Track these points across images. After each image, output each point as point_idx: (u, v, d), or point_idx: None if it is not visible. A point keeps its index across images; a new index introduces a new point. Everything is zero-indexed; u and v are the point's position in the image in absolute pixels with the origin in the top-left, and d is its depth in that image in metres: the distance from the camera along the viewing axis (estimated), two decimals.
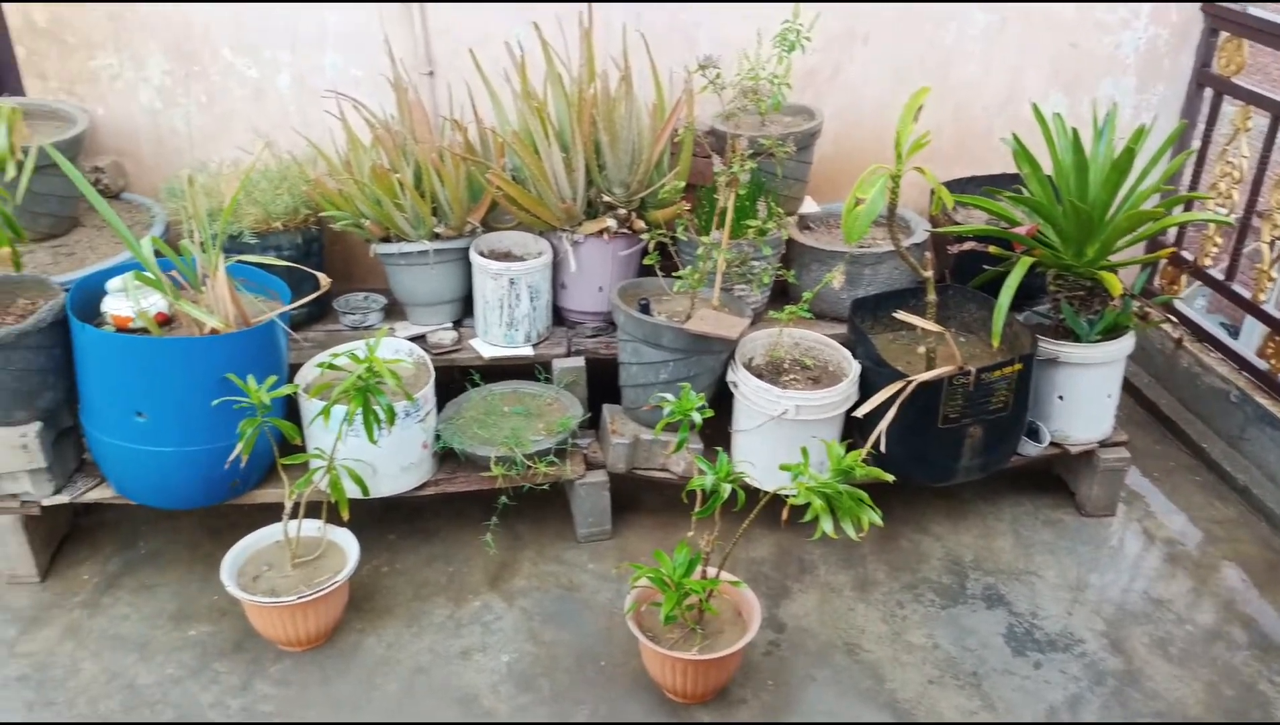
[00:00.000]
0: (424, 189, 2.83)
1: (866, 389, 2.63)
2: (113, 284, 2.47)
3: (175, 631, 2.43)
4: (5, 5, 2.91)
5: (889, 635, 2.49)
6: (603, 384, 2.88)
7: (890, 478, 2.13)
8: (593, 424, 2.87)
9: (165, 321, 2.51)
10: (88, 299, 2.45)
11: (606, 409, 2.86)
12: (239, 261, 2.57)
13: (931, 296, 2.66)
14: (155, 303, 2.44)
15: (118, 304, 2.43)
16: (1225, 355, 3.29)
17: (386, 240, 2.88)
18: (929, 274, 2.65)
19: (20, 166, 2.43)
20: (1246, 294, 3.20)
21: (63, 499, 2.48)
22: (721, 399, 2.73)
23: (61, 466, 2.49)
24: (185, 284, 2.52)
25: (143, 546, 2.69)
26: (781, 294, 3.07)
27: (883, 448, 2.48)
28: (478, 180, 2.90)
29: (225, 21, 2.97)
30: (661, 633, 2.24)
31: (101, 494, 2.50)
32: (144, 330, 2.41)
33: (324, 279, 2.62)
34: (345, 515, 2.37)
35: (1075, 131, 2.70)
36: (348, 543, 2.45)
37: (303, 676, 2.31)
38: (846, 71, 3.26)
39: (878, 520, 2.02)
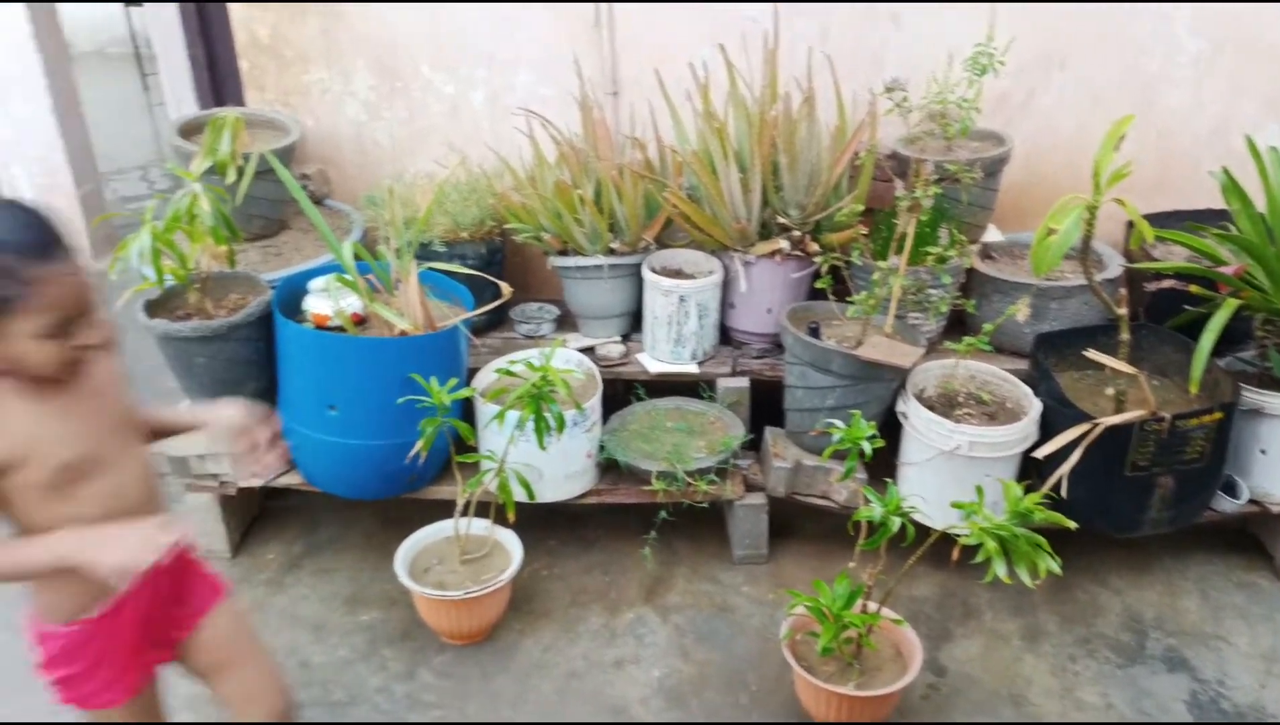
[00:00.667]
0: (603, 205, 2.90)
1: (1047, 429, 2.51)
2: (315, 284, 2.64)
3: (349, 615, 2.56)
4: (233, 21, 3.17)
5: (1058, 690, 2.36)
6: (766, 405, 2.87)
7: (1072, 524, 2.02)
8: (754, 445, 2.86)
9: (360, 321, 2.66)
10: (291, 297, 2.63)
11: (769, 431, 2.84)
12: (429, 268, 2.70)
13: (1125, 335, 2.51)
14: (352, 303, 2.59)
15: (318, 303, 2.60)
16: None
17: (564, 253, 2.96)
18: (1123, 311, 2.50)
19: (240, 171, 2.64)
20: None
21: (256, 482, 2.66)
22: (888, 429, 2.66)
23: None
24: (380, 287, 2.67)
25: (324, 532, 2.86)
26: (958, 324, 2.97)
27: (1063, 492, 2.36)
28: (654, 198, 2.94)
29: (426, 41, 3.14)
30: (816, 663, 2.20)
31: (291, 480, 2.68)
32: (340, 329, 2.56)
33: (506, 288, 2.72)
34: (511, 517, 2.44)
35: None
36: (512, 544, 2.53)
37: (463, 670, 2.40)
38: (1041, 97, 3.14)
39: (1055, 568, 1.92)
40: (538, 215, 2.91)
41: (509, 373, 2.48)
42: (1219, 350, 2.66)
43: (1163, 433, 2.40)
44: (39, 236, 1.33)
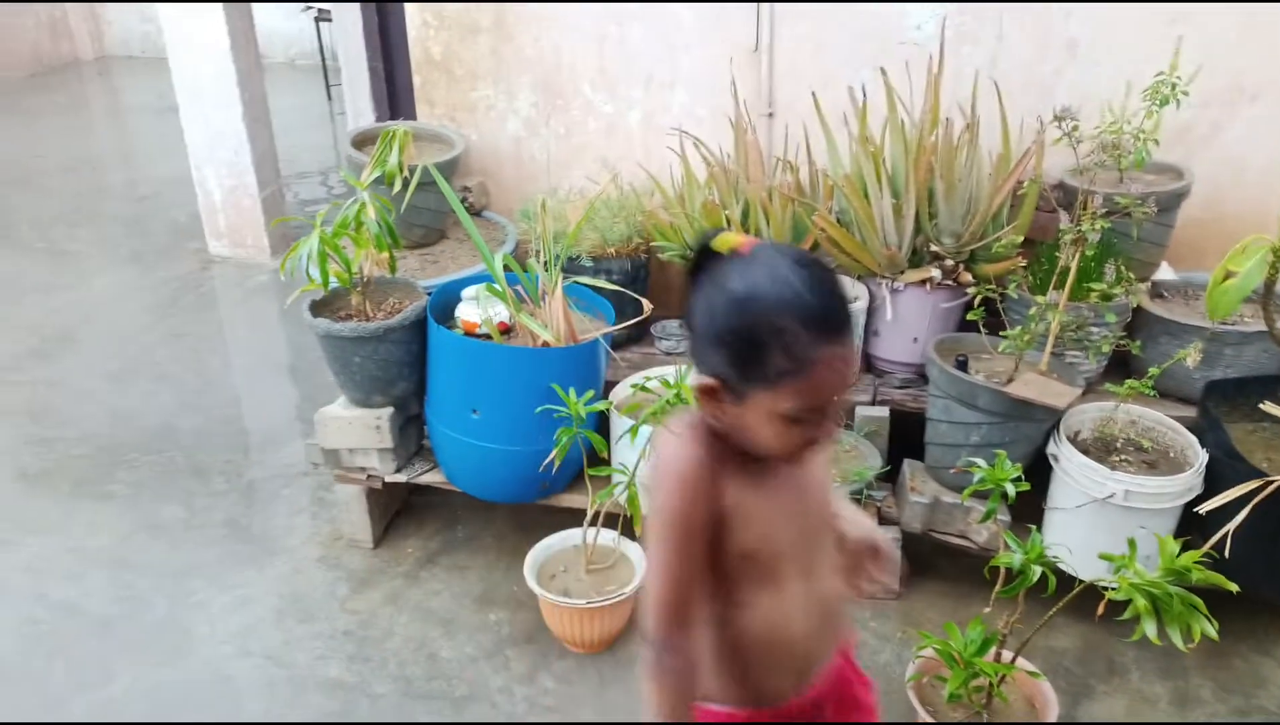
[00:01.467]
0: (749, 227, 2.89)
1: (1213, 483, 2.33)
2: (467, 292, 2.74)
3: (478, 614, 2.64)
4: (410, 38, 3.34)
5: None
6: (905, 437, 2.78)
7: (1234, 587, 1.87)
8: (890, 477, 2.78)
9: (506, 330, 2.75)
10: (445, 303, 2.75)
11: (907, 464, 2.76)
12: (574, 282, 2.76)
13: None
14: (499, 313, 2.68)
15: (469, 310, 2.70)
16: None
17: None
18: None
19: (405, 183, 2.77)
20: None
21: (401, 478, 2.78)
22: (1036, 471, 2.54)
23: (404, 449, 2.80)
24: (527, 298, 2.75)
25: (460, 531, 2.96)
26: (1120, 365, 2.81)
27: (1225, 552, 2.19)
28: (803, 221, 2.92)
29: (590, 62, 3.22)
30: (943, 709, 2.12)
31: (433, 478, 2.78)
32: (487, 336, 2.65)
33: (648, 305, 2.75)
34: (639, 530, 2.46)
35: None
36: (638, 556, 2.54)
37: (582, 678, 2.43)
38: (1227, 130, 2.94)
39: (1212, 633, 1.78)
40: (684, 233, 2.94)
41: (644, 388, 2.51)
42: None
43: None
44: (831, 309, 1.10)
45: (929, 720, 2.07)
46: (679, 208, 2.96)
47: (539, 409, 2.47)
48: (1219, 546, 2.19)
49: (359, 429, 2.70)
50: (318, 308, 2.70)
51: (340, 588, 2.73)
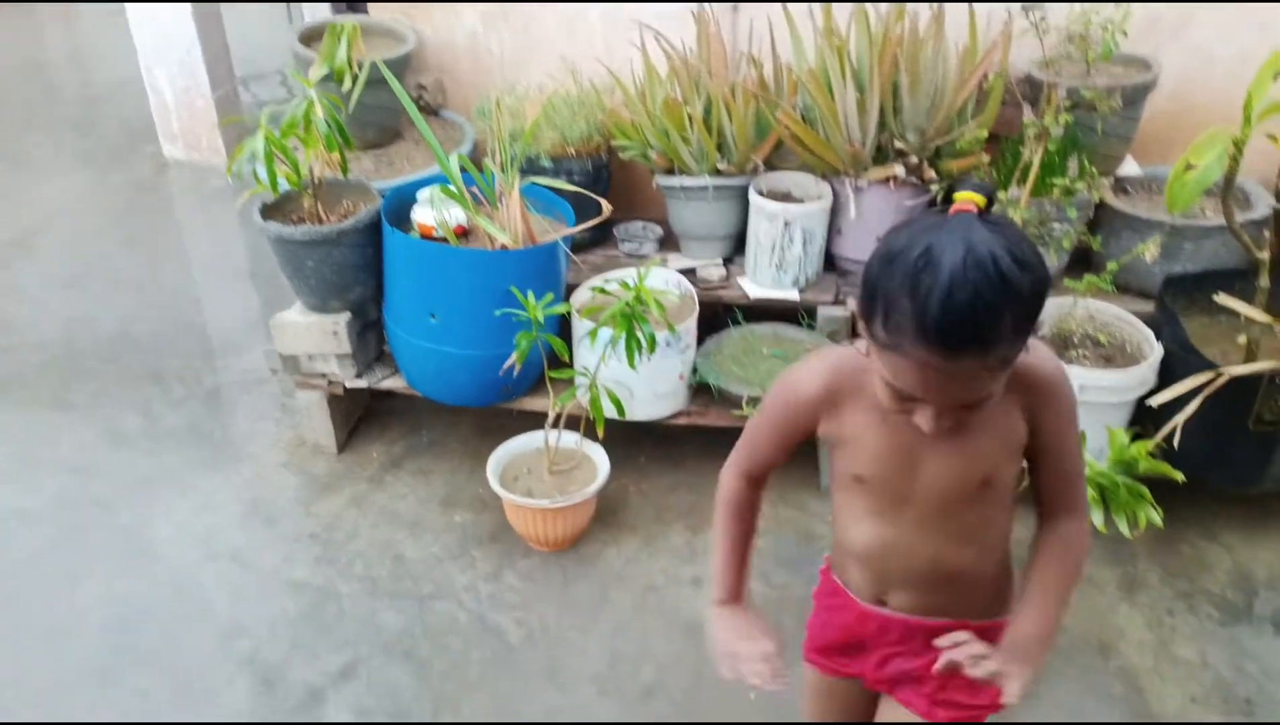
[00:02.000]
0: (711, 124, 2.83)
1: (1167, 376, 2.36)
2: (422, 194, 2.69)
3: (443, 515, 2.66)
4: None
5: (1153, 644, 2.27)
6: None
7: (1179, 476, 1.92)
8: None
9: (463, 233, 2.70)
10: (400, 206, 2.69)
11: None
12: (532, 183, 2.71)
13: (1264, 281, 2.33)
14: (456, 215, 2.63)
15: (424, 213, 2.64)
16: None
17: (670, 172, 2.92)
18: (1264, 255, 2.32)
19: (355, 80, 2.68)
20: None
21: (362, 383, 2.77)
22: None
23: (364, 354, 2.78)
24: (484, 200, 2.70)
25: (425, 435, 2.96)
26: (1082, 261, 2.80)
27: (1175, 443, 2.23)
28: (766, 118, 2.86)
29: None
30: None
31: (394, 383, 2.77)
32: (443, 240, 2.60)
33: (607, 206, 2.70)
34: (601, 432, 2.47)
35: None
36: (600, 458, 2.56)
37: (546, 575, 2.47)
38: (1198, 21, 2.87)
39: (1157, 520, 1.84)
40: (645, 132, 2.87)
41: (603, 291, 2.49)
42: None
43: None
44: (947, 324, 1.02)
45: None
46: (640, 105, 2.89)
47: (498, 313, 2.44)
48: (1170, 438, 2.23)
49: (316, 334, 2.67)
50: (269, 211, 2.64)
51: (305, 492, 2.74)
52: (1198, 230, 2.60)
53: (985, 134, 2.69)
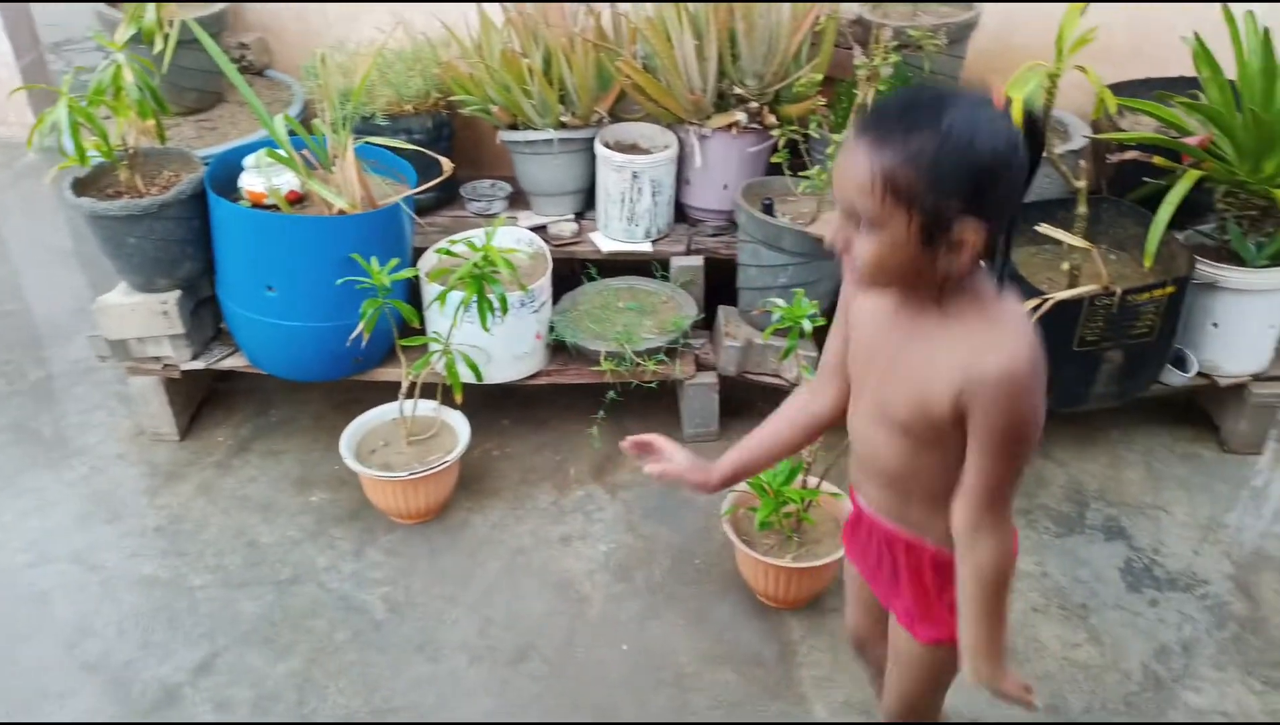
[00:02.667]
0: (552, 76, 2.78)
1: None
2: (249, 160, 2.55)
3: (298, 496, 2.57)
4: None
5: None
6: (721, 285, 2.82)
7: None
8: (707, 325, 2.83)
9: (298, 199, 2.58)
10: (226, 174, 2.54)
11: (722, 311, 2.81)
12: (368, 143, 2.60)
13: (1082, 209, 2.45)
14: (287, 181, 2.51)
15: (253, 180, 2.51)
16: None
17: (514, 127, 2.86)
18: (1081, 185, 2.44)
19: (166, 40, 2.51)
20: None
21: (199, 365, 2.63)
22: None
23: (199, 334, 2.63)
24: (317, 163, 2.58)
25: (273, 414, 2.84)
26: None
27: None
28: (607, 68, 2.83)
29: None
30: (757, 537, 2.22)
31: (235, 363, 2.64)
32: (275, 207, 2.48)
33: (447, 164, 2.63)
34: (459, 398, 2.43)
35: (1266, 31, 2.40)
36: (460, 424, 2.52)
37: (411, 548, 2.42)
38: None
39: None
40: (485, 86, 2.80)
41: (450, 253, 2.43)
42: (1180, 223, 2.62)
43: (1113, 307, 2.38)
44: (874, 111, 1.15)
45: (744, 549, 2.18)
46: (477, 58, 2.81)
47: (340, 281, 2.35)
48: None
49: (144, 316, 2.51)
50: (82, 186, 2.46)
51: (147, 483, 2.60)
52: None
53: (820, 77, 2.74)
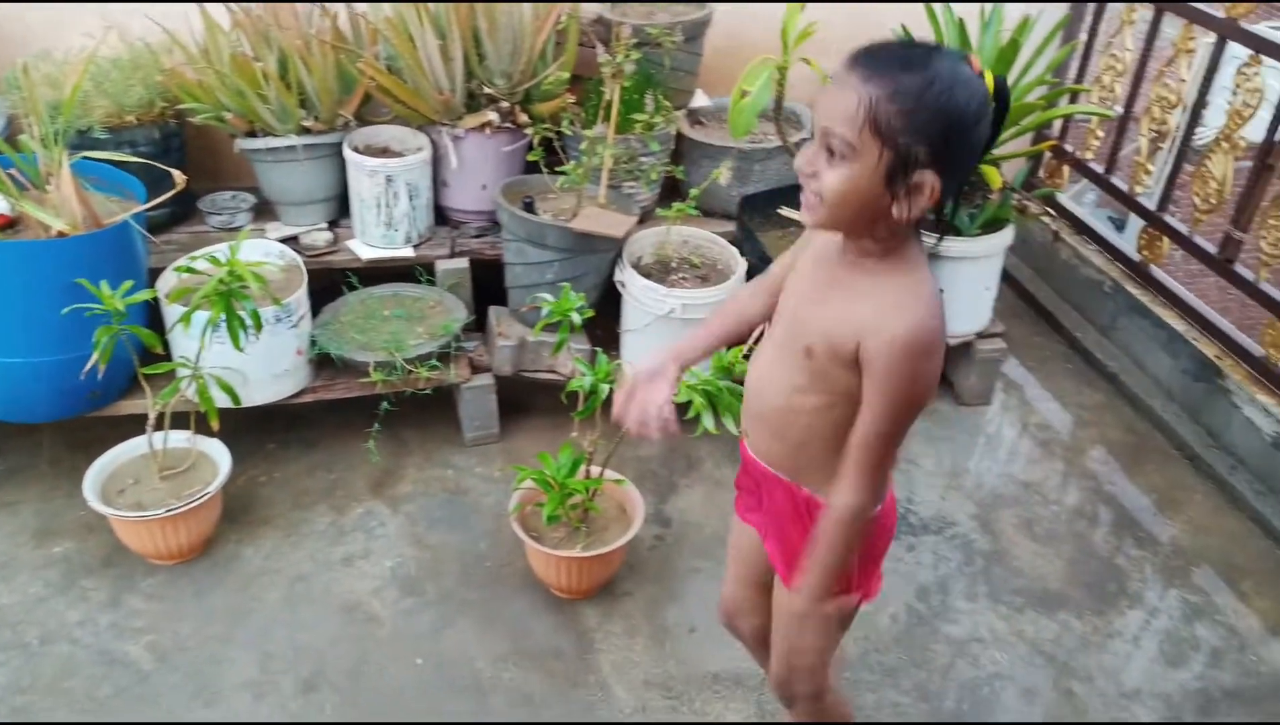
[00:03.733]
0: (290, 79, 2.66)
1: None
2: None
3: (39, 549, 2.32)
4: None
5: None
6: (489, 286, 2.81)
7: None
8: (479, 327, 2.81)
9: (9, 223, 2.33)
10: None
11: (492, 311, 2.79)
12: (86, 158, 2.39)
13: None
14: None
15: None
16: (1102, 247, 3.38)
17: (252, 135, 2.71)
18: None
19: None
20: (1125, 187, 3.26)
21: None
22: (614, 299, 2.69)
23: None
24: (29, 183, 2.34)
25: (1, 463, 2.56)
26: (673, 191, 3.01)
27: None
28: (349, 70, 2.74)
29: None
30: (546, 532, 2.24)
31: None
32: None
33: (179, 176, 2.44)
34: (215, 425, 2.28)
35: (961, 22, 2.67)
36: (219, 453, 2.36)
37: (175, 590, 2.25)
38: None
39: None
40: (216, 92, 2.63)
41: (190, 270, 2.27)
42: None
43: None
44: (855, 52, 1.20)
45: (533, 545, 2.18)
46: (205, 63, 2.64)
47: (66, 310, 2.15)
48: (759, 341, 2.47)
49: None
50: None
51: None
52: (762, 152, 2.88)
53: (567, 75, 2.78)
